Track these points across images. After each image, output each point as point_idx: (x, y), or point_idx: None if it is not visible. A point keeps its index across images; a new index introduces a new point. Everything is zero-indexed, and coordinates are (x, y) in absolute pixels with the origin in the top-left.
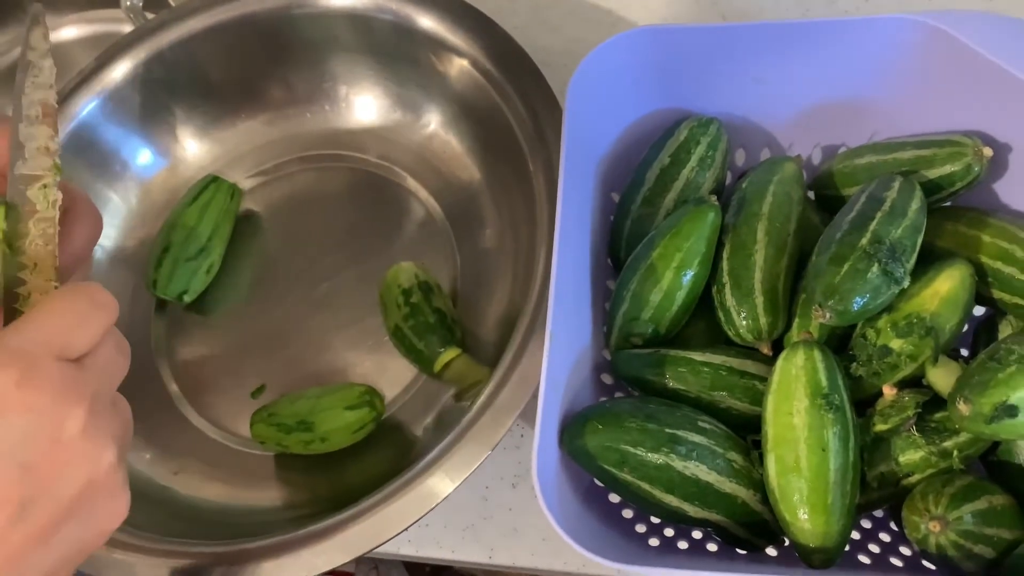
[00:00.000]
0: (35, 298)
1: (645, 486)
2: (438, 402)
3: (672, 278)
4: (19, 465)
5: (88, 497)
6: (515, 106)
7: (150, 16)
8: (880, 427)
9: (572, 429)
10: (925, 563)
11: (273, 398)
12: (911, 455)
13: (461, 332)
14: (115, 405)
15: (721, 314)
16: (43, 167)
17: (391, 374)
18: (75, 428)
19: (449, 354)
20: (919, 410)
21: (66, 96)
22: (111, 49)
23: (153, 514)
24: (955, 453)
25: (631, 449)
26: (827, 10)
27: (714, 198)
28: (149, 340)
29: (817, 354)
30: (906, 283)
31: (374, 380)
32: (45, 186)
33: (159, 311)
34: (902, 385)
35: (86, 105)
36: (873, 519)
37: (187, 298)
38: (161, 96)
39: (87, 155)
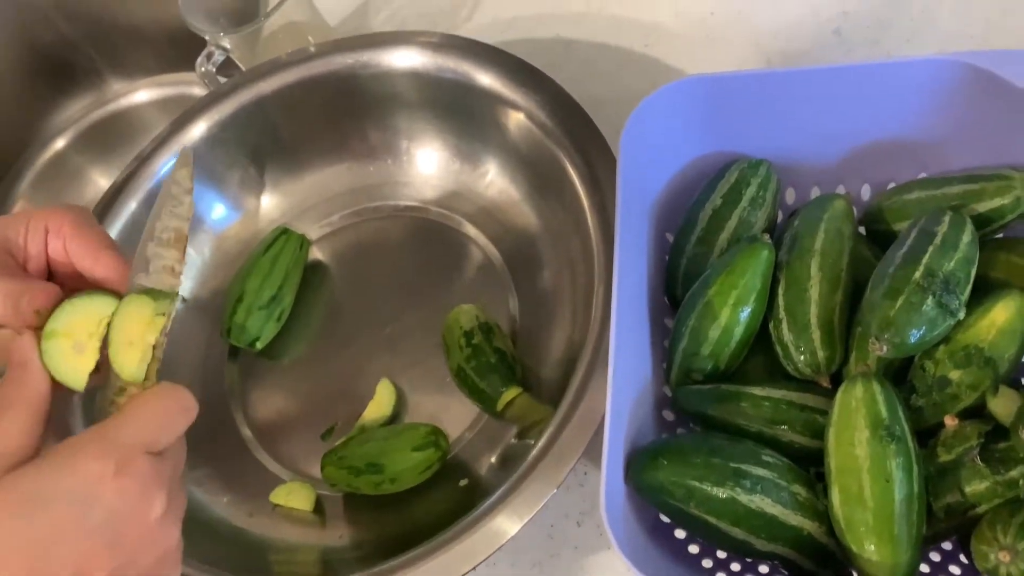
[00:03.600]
0: (132, 391)
1: (712, 520)
2: (501, 440)
3: (730, 314)
4: (112, 540)
5: (158, 568)
6: (570, 153)
7: (223, 80)
8: (944, 457)
9: (637, 464)
10: None
11: (342, 439)
12: (977, 485)
13: (522, 371)
14: (180, 487)
15: (779, 349)
16: (164, 284)
17: (454, 413)
18: (158, 512)
19: (511, 393)
20: (982, 440)
21: (147, 156)
22: (188, 111)
23: (228, 553)
24: (1021, 482)
25: (697, 484)
26: (870, 50)
27: (767, 236)
28: (223, 386)
29: (876, 386)
30: (961, 315)
31: (438, 420)
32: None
33: (232, 357)
34: (964, 415)
35: (165, 163)
36: (942, 552)
37: (259, 345)
38: (234, 153)
39: None
